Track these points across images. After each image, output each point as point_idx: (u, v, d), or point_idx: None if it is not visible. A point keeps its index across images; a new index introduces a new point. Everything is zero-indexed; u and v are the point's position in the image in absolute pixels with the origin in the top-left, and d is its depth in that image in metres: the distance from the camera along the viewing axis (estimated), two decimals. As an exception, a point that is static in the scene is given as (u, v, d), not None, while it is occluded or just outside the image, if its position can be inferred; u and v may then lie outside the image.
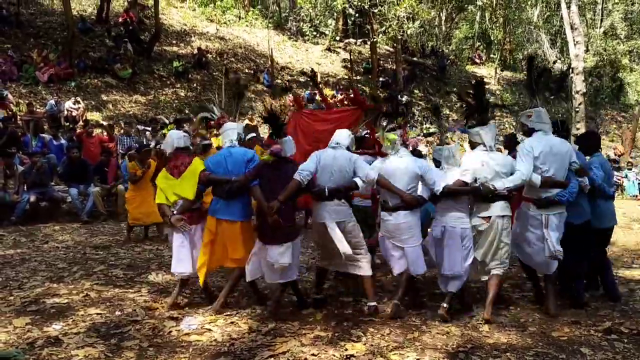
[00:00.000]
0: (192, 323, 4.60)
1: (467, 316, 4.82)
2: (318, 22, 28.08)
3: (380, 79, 23.73)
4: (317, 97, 20.17)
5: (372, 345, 4.14)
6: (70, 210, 10.03)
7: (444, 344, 4.19)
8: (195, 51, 21.48)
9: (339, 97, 21.95)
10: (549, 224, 4.68)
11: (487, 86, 27.86)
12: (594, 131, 5.72)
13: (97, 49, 19.32)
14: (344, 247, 4.61)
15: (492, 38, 33.72)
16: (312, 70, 17.52)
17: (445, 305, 4.70)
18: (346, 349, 4.04)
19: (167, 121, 11.56)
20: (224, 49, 23.63)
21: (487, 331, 4.46)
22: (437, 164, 5.21)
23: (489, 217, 4.72)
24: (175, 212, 4.89)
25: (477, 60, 32.49)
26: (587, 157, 5.34)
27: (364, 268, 4.84)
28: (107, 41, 19.74)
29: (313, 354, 3.94)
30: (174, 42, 22.72)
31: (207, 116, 5.41)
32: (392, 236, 4.88)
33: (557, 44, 32.96)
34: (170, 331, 4.44)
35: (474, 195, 4.79)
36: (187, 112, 17.94)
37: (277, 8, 31.32)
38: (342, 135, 5.00)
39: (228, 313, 4.89)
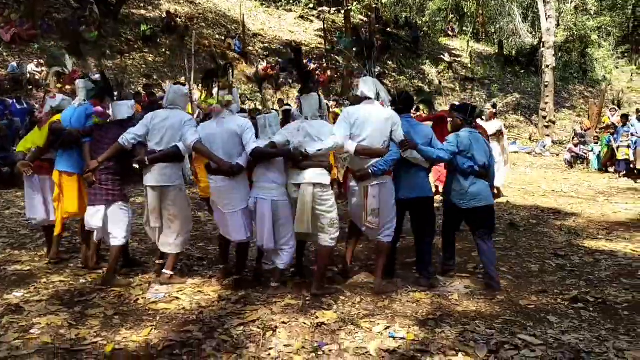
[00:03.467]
0: (160, 291, 4.52)
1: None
2: (291, -12, 27.47)
3: (354, 49, 23.48)
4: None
5: (342, 313, 4.13)
6: (33, 176, 9.72)
7: (413, 311, 4.20)
8: (164, 15, 20.84)
9: (312, 66, 21.83)
10: (367, 195, 4.50)
11: (459, 59, 28.20)
12: (408, 92, 5.37)
13: (61, 10, 18.56)
14: (146, 218, 4.68)
15: (465, 10, 33.64)
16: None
17: (274, 284, 4.62)
18: (317, 317, 4.02)
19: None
20: (194, 13, 22.98)
21: (457, 299, 4.49)
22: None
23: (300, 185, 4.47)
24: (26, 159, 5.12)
25: (450, 33, 32.45)
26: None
27: (174, 245, 4.77)
28: (72, 2, 18.97)
29: (283, 322, 3.90)
30: (142, 4, 21.97)
31: (59, 70, 5.25)
32: (214, 200, 4.73)
33: (529, 18, 33.12)
34: (137, 299, 4.36)
35: (287, 161, 4.56)
36: (155, 77, 17.49)
37: (249, -27, 30.55)
38: (179, 96, 4.82)
39: (196, 282, 4.82)
